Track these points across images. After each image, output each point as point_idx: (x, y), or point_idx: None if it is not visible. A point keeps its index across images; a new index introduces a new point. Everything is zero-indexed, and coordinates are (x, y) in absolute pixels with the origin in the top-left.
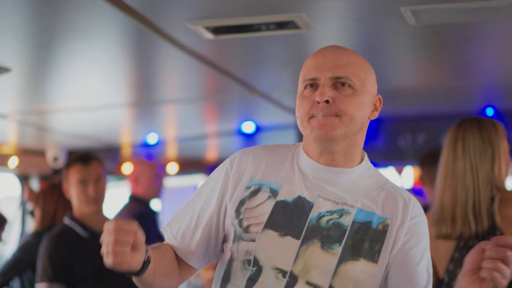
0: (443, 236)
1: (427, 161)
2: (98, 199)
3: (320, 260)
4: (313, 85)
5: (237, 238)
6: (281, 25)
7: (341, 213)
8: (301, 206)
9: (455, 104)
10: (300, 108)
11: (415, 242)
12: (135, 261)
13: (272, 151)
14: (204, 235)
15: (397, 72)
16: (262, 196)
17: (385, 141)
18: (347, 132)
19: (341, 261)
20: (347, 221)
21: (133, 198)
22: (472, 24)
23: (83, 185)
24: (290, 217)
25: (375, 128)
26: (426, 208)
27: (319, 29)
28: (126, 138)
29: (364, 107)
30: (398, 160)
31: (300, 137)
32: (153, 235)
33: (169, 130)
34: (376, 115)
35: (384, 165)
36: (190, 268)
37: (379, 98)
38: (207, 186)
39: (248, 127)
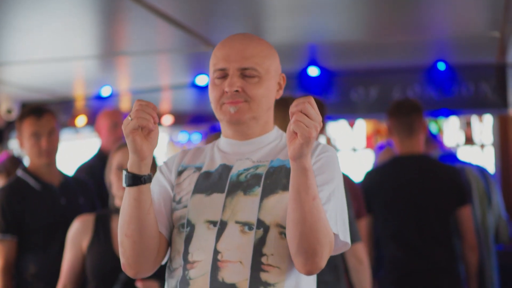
0: None
1: (395, 112)
2: (50, 152)
3: (245, 203)
4: (222, 74)
5: (173, 210)
6: None
7: (257, 167)
8: (222, 170)
9: (407, 58)
10: (212, 95)
11: (319, 171)
12: (149, 145)
13: (195, 147)
14: (162, 204)
15: (349, 26)
16: (188, 172)
17: (337, 94)
18: (256, 116)
19: (262, 198)
20: (262, 170)
21: (99, 151)
22: None
23: (36, 137)
24: (213, 180)
25: (327, 82)
26: (396, 159)
27: None
28: (80, 91)
29: (269, 91)
30: (350, 113)
31: None
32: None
33: (123, 82)
34: (280, 93)
35: (336, 118)
36: (162, 240)
37: (283, 77)
38: (152, 186)
39: (202, 80)
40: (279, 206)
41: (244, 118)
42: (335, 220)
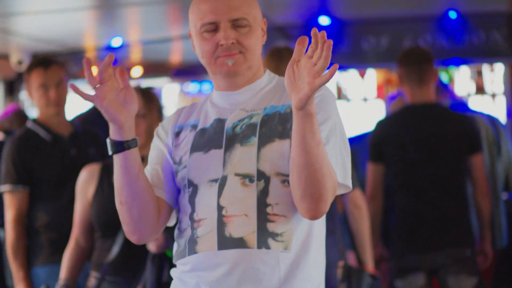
0: None
1: (406, 61)
2: (59, 103)
3: (243, 154)
4: (212, 27)
5: (176, 173)
6: None
7: (251, 116)
8: (216, 124)
9: (419, 7)
10: (203, 49)
11: (317, 107)
12: (125, 112)
13: (191, 104)
14: (160, 169)
15: None
16: (185, 133)
17: (348, 44)
18: (250, 65)
19: (259, 147)
20: (257, 119)
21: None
22: None
23: (44, 88)
24: (209, 136)
25: (338, 31)
26: (407, 108)
27: None
28: (90, 42)
29: (259, 39)
30: (360, 63)
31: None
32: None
33: (133, 33)
34: (265, 38)
35: (347, 67)
36: (163, 205)
37: (264, 22)
38: (150, 151)
39: None
40: (278, 155)
41: (241, 69)
42: (335, 162)
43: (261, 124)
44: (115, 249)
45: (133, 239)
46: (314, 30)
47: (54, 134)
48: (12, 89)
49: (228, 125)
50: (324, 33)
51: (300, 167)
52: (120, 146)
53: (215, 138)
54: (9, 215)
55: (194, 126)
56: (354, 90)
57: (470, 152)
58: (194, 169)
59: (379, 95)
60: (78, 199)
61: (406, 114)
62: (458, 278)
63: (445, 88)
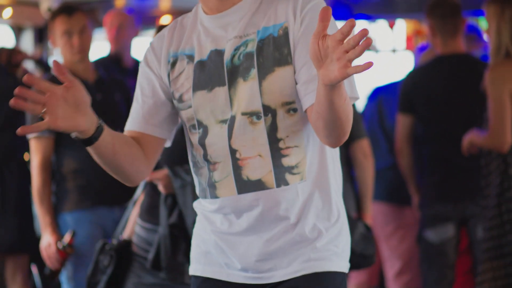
0: None
1: (440, 12)
2: (83, 49)
3: (245, 90)
4: None
5: (177, 109)
6: None
7: (246, 43)
8: (214, 57)
9: None
10: None
11: (312, 22)
12: (80, 115)
13: (179, 22)
14: (152, 103)
15: None
16: (181, 64)
17: None
18: None
19: (260, 80)
20: (252, 46)
21: (110, 54)
22: None
23: (68, 35)
24: (209, 71)
25: None
26: (438, 59)
27: None
28: None
29: None
30: (390, 13)
31: None
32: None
33: None
34: None
35: (376, 18)
36: (154, 141)
37: None
38: (139, 77)
39: None
40: (280, 84)
41: None
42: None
43: (258, 53)
44: (139, 191)
45: (127, 184)
46: (351, 22)
47: (79, 79)
48: (41, 36)
49: (226, 57)
50: (366, 31)
51: (328, 122)
52: (88, 142)
53: (216, 73)
54: (35, 160)
55: (191, 57)
56: (383, 41)
57: None
58: (201, 109)
59: (409, 46)
60: None
61: (438, 64)
62: None
63: (479, 37)
